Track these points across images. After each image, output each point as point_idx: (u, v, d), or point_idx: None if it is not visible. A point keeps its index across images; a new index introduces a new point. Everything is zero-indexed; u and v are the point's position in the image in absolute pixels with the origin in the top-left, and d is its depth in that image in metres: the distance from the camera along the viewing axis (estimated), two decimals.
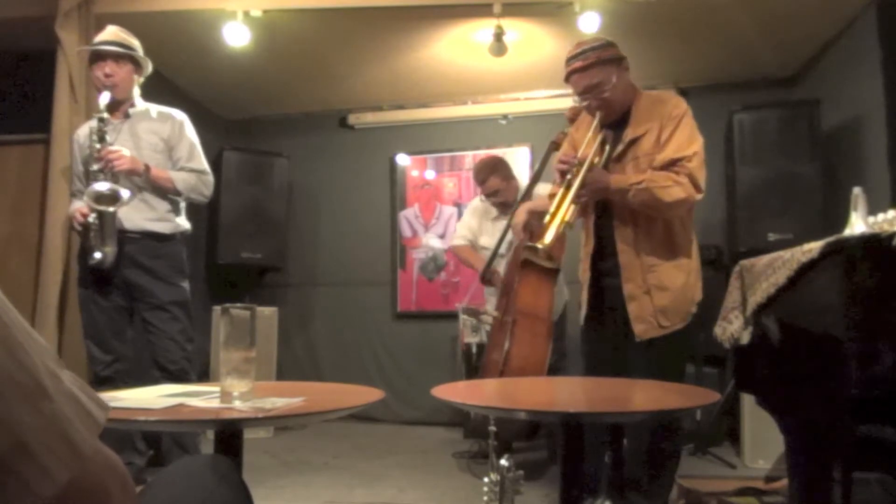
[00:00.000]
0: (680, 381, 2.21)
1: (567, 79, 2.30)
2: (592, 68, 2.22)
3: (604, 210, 2.32)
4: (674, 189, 2.13)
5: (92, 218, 2.60)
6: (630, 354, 2.29)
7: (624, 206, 2.23)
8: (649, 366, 2.21)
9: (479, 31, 3.73)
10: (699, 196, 2.17)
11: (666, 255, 2.23)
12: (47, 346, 0.47)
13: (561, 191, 2.22)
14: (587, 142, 2.31)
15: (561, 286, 3.46)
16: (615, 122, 2.30)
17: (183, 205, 2.89)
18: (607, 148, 2.29)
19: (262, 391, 1.39)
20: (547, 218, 2.19)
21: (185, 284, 2.83)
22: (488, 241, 3.51)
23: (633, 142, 2.24)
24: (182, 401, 1.35)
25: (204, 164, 2.88)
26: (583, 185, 2.18)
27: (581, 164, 2.21)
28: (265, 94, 4.81)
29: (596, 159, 2.25)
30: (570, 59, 2.27)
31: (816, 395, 1.44)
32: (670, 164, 2.16)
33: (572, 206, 2.18)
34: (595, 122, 2.29)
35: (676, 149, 2.17)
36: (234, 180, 4.51)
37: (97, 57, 2.73)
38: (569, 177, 2.21)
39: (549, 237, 2.14)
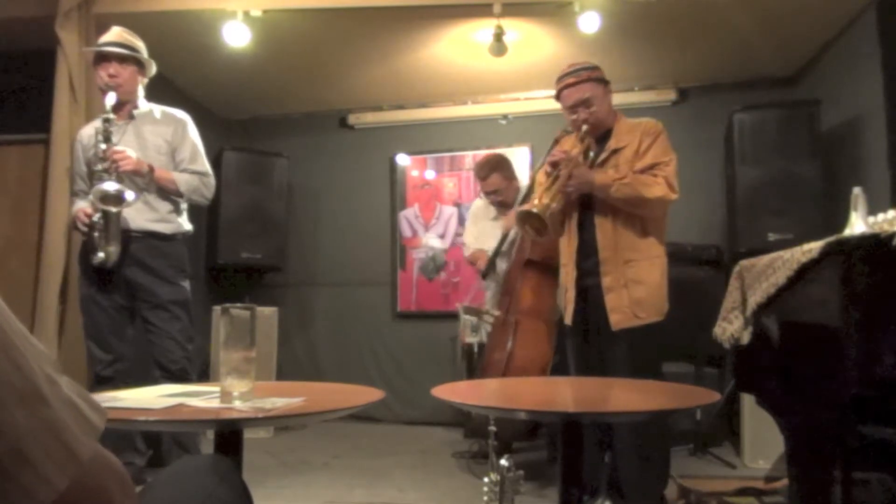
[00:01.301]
0: (655, 374, 2.27)
1: (558, 95, 2.53)
2: (583, 83, 2.45)
3: (585, 210, 2.48)
4: (654, 187, 2.35)
5: (97, 217, 2.60)
6: (607, 346, 2.42)
7: (605, 205, 2.41)
8: (625, 358, 2.34)
9: (479, 31, 3.73)
10: (674, 196, 2.39)
11: (642, 252, 2.41)
12: (46, 351, 0.47)
13: (550, 179, 2.40)
14: (574, 145, 2.52)
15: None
16: (597, 138, 2.51)
17: (184, 206, 2.90)
18: (591, 154, 2.49)
19: (262, 391, 1.39)
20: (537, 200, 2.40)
21: (186, 284, 2.83)
22: (491, 243, 3.47)
23: (615, 152, 2.45)
24: (182, 401, 1.35)
25: (206, 167, 2.89)
26: (569, 177, 2.37)
27: (571, 160, 2.40)
28: (265, 94, 4.81)
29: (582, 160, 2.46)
30: (561, 78, 2.50)
31: (816, 394, 1.44)
32: (649, 168, 2.40)
33: (559, 195, 2.37)
34: (580, 134, 2.48)
35: (655, 156, 2.41)
36: (234, 180, 4.51)
37: (101, 58, 2.73)
38: (560, 167, 2.39)
39: (542, 200, 2.33)
